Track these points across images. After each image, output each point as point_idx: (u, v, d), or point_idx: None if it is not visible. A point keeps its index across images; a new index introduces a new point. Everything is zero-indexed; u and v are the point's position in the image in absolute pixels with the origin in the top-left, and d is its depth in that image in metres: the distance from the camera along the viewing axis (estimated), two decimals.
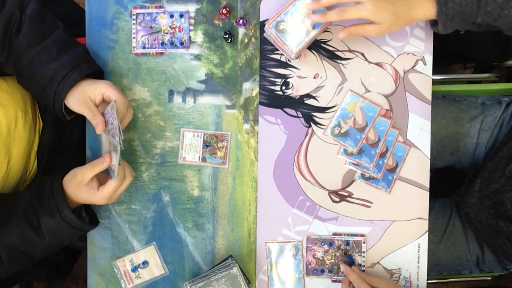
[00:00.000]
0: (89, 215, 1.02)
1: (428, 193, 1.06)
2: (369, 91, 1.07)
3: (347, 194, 1.07)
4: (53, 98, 0.95)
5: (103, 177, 0.99)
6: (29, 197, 0.94)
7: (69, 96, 0.95)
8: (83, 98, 0.94)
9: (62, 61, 0.94)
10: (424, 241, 1.06)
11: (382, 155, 1.05)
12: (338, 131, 1.04)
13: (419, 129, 1.06)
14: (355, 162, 1.05)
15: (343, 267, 1.04)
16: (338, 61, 1.07)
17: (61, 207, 0.92)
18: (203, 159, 1.07)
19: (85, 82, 0.96)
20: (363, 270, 1.06)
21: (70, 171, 0.96)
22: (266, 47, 1.07)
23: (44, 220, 0.92)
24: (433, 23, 0.98)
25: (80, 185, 0.93)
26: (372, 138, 1.05)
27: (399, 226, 1.07)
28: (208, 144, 1.07)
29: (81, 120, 1.02)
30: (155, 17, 1.06)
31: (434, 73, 1.07)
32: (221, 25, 1.07)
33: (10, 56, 0.96)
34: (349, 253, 1.06)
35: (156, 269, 1.07)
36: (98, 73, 1.03)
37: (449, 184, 1.31)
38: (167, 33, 1.06)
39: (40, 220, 0.92)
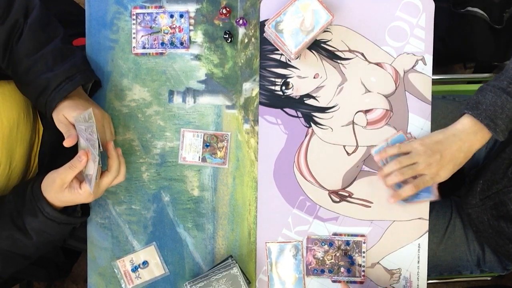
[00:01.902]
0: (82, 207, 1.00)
1: None
2: (369, 91, 1.07)
3: (347, 194, 1.07)
4: (44, 107, 0.95)
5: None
6: (13, 199, 0.94)
7: (54, 111, 0.94)
8: (61, 117, 0.93)
9: (56, 71, 0.94)
10: (424, 241, 1.06)
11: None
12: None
13: (419, 129, 1.06)
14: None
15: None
16: (338, 61, 1.07)
17: (42, 206, 0.91)
18: (203, 159, 1.07)
19: (69, 103, 0.94)
20: (363, 271, 1.06)
21: (46, 177, 0.92)
22: (266, 47, 1.07)
23: (28, 220, 0.91)
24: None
25: (61, 189, 0.90)
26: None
27: (399, 226, 1.06)
28: (208, 144, 1.07)
29: None
30: (155, 17, 1.06)
31: (434, 73, 1.07)
32: (221, 25, 1.07)
33: (10, 62, 0.96)
34: (349, 253, 1.06)
35: (156, 269, 1.07)
36: (96, 81, 1.03)
37: (449, 184, 1.31)
38: (167, 33, 1.06)
39: (24, 221, 0.91)
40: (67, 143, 0.90)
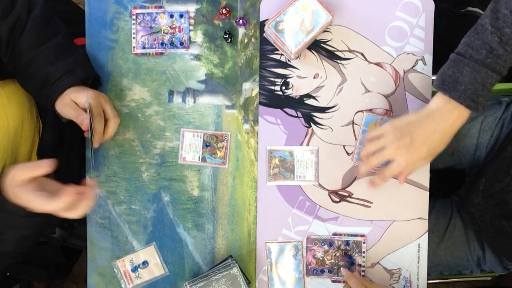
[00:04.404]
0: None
1: (428, 193, 1.06)
2: (369, 91, 1.07)
3: (347, 194, 1.07)
4: (45, 100, 0.95)
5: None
6: None
7: (58, 99, 0.95)
8: (67, 100, 0.94)
9: (57, 65, 0.95)
10: (424, 241, 1.06)
11: None
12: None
13: None
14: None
15: (343, 272, 1.04)
16: (338, 61, 1.07)
17: (1, 202, 0.85)
18: (203, 159, 1.07)
19: (73, 88, 0.95)
20: (363, 271, 1.06)
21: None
22: (266, 47, 1.07)
23: None
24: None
25: (11, 186, 0.83)
26: None
27: (399, 226, 1.06)
28: (208, 144, 1.07)
29: None
30: (155, 17, 1.06)
31: (434, 73, 1.07)
32: (221, 25, 1.07)
33: (12, 57, 0.97)
34: (349, 253, 1.06)
35: (156, 269, 1.07)
36: (95, 78, 1.03)
37: (449, 185, 1.31)
38: (167, 33, 1.06)
39: None
40: (85, 127, 0.92)
